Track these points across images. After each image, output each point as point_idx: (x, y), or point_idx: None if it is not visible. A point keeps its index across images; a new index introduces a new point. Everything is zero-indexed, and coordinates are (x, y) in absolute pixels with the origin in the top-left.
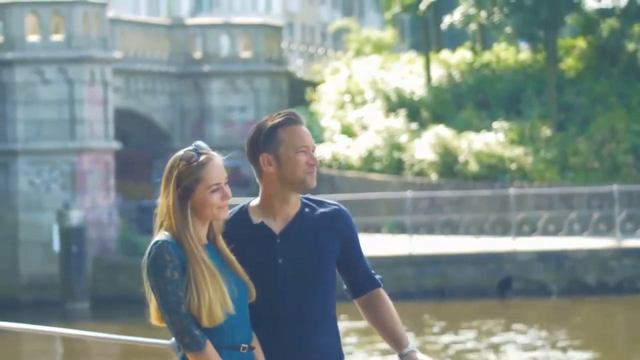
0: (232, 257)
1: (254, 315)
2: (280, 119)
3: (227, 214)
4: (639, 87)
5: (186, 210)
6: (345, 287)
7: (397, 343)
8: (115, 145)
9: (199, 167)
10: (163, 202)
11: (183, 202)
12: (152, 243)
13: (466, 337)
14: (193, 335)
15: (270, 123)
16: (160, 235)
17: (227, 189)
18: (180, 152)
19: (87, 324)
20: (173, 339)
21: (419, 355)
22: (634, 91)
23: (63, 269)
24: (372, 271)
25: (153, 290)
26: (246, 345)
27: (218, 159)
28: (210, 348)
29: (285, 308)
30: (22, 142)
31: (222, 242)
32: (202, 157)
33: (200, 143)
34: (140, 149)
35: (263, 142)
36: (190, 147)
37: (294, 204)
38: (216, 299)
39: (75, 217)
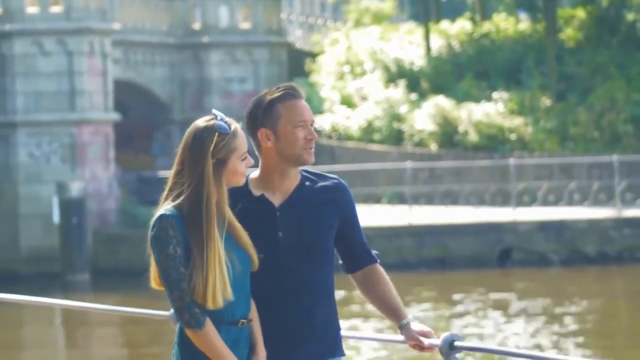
0: (239, 225)
1: (254, 287)
2: (279, 94)
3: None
4: (638, 57)
5: (222, 182)
6: (340, 261)
7: (395, 315)
8: (115, 116)
9: (233, 137)
10: (187, 173)
11: (218, 174)
12: (156, 215)
13: (466, 308)
14: (193, 313)
15: (269, 97)
16: (167, 208)
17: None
18: (210, 123)
19: (87, 296)
20: (172, 310)
21: (417, 325)
22: (634, 61)
23: (63, 241)
24: (369, 247)
25: (156, 264)
26: (244, 320)
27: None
28: (210, 326)
29: (285, 281)
30: (22, 114)
31: (229, 210)
32: (232, 127)
33: (221, 113)
34: (139, 121)
35: (262, 116)
36: (217, 118)
37: (293, 178)
38: (219, 284)
39: (75, 189)
